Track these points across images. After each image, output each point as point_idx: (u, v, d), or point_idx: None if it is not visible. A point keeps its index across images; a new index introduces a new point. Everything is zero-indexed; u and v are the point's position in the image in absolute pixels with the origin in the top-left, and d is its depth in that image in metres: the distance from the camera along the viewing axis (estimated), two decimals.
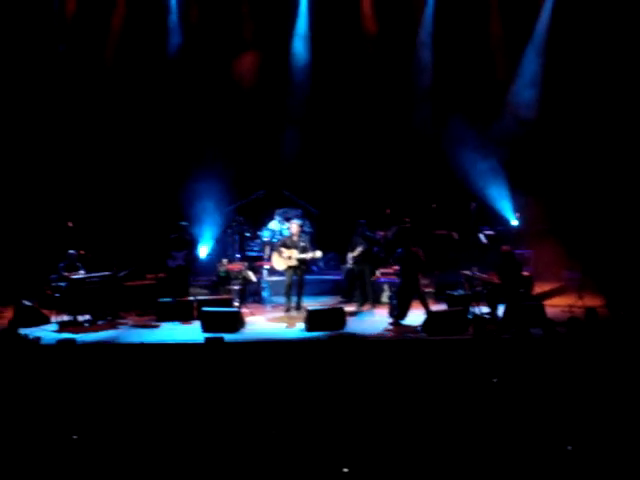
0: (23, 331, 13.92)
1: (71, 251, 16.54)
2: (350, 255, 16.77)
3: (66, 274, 16.02)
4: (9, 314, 15.68)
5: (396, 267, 15.96)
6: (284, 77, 20.56)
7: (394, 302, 15.77)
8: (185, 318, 15.90)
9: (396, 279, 16.22)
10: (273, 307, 17.37)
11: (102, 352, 13.18)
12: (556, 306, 16.23)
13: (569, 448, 8.52)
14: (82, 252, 16.76)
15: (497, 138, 19.67)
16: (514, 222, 19.32)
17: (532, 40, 20.06)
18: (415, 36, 20.54)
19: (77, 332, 14.79)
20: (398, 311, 15.44)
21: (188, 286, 17.45)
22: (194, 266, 17.99)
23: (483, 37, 20.14)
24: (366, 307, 16.86)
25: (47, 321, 15.69)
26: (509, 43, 20.19)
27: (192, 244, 17.61)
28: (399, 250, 15.70)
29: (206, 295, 17.55)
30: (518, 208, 19.41)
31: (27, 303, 15.86)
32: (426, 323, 14.61)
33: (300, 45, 20.67)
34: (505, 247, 15.90)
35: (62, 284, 15.94)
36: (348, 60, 20.37)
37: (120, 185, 19.82)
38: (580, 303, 15.76)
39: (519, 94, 20.14)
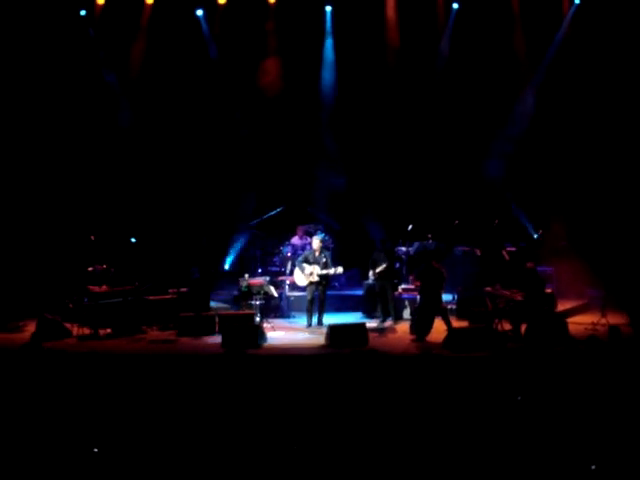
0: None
1: (94, 265, 16.63)
2: (372, 271, 16.73)
3: (89, 288, 16.08)
4: (32, 327, 15.74)
5: (417, 283, 15.91)
6: (308, 91, 20.55)
7: (415, 318, 15.72)
8: (206, 333, 15.91)
9: (417, 295, 16.15)
10: (294, 322, 17.37)
11: (123, 363, 13.19)
12: (579, 324, 16.10)
13: (593, 467, 8.44)
14: (104, 266, 16.82)
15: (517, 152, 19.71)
16: (537, 239, 19.24)
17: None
18: (437, 49, 20.56)
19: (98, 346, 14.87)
20: (420, 327, 15.37)
21: (208, 300, 17.46)
22: (212, 280, 18.04)
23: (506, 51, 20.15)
24: (388, 323, 16.80)
25: (69, 335, 15.74)
26: (531, 56, 20.23)
27: (209, 257, 17.70)
28: (421, 266, 15.66)
29: (228, 310, 17.55)
30: (541, 225, 19.33)
31: (50, 317, 15.93)
32: (448, 340, 14.54)
33: (327, 57, 20.70)
34: (529, 264, 15.81)
35: (84, 298, 16.00)
36: (372, 73, 20.34)
37: (142, 200, 19.91)
38: (603, 321, 15.63)
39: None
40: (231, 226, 19.98)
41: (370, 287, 17.52)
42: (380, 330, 16.40)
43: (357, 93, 20.39)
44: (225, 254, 19.55)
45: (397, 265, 17.50)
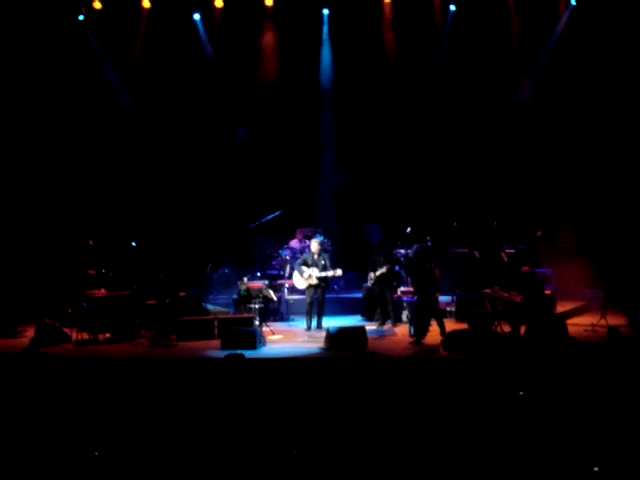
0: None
1: (92, 270, 16.63)
2: (372, 274, 16.70)
3: (87, 293, 16.07)
4: (31, 333, 15.73)
5: (414, 286, 15.94)
6: (307, 94, 20.56)
7: (413, 321, 15.73)
8: (206, 337, 15.88)
9: (415, 298, 16.14)
10: (294, 326, 17.37)
11: (123, 368, 13.18)
12: (579, 325, 16.11)
13: (596, 469, 8.43)
14: (103, 271, 16.81)
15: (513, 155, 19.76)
16: (535, 241, 19.22)
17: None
18: (434, 58, 20.59)
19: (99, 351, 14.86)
20: (417, 330, 15.38)
21: (200, 303, 17.44)
22: (204, 284, 18.08)
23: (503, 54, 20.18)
24: (387, 326, 16.79)
25: (68, 340, 15.71)
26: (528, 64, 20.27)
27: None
28: (415, 270, 15.71)
29: (227, 313, 17.54)
30: (539, 226, 19.32)
31: (49, 322, 15.91)
32: (447, 341, 14.53)
33: (324, 59, 20.76)
34: (524, 268, 15.80)
35: (83, 303, 15.99)
36: (370, 75, 20.41)
37: (139, 204, 19.94)
38: (603, 322, 15.62)
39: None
40: (230, 229, 19.96)
41: (369, 290, 17.50)
42: (379, 333, 16.39)
43: (355, 96, 20.43)
44: (223, 258, 19.51)
45: (397, 268, 17.48)
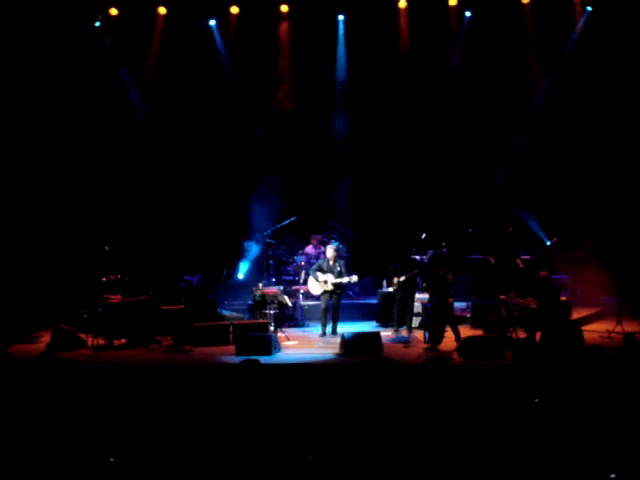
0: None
1: (108, 275, 16.68)
2: (395, 279, 16.59)
3: (103, 298, 16.11)
4: (47, 338, 15.79)
5: (428, 293, 15.91)
6: (321, 104, 20.59)
7: (428, 327, 15.70)
8: (220, 342, 15.90)
9: (429, 304, 16.09)
10: (308, 332, 17.37)
11: (138, 373, 13.20)
12: (595, 331, 16.05)
13: (613, 477, 8.39)
14: (118, 276, 16.85)
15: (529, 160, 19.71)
16: (551, 246, 19.17)
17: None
18: (448, 58, 20.58)
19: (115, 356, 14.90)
20: (432, 336, 15.36)
21: (216, 309, 17.45)
22: (214, 289, 18.10)
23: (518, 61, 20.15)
24: (402, 332, 16.75)
25: (84, 345, 15.75)
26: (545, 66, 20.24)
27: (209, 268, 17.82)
28: (429, 276, 15.68)
29: (242, 319, 17.55)
30: (554, 232, 19.27)
31: (65, 327, 15.96)
32: (462, 348, 14.50)
33: (340, 69, 20.77)
34: (543, 272, 15.75)
35: (99, 308, 16.04)
36: (384, 82, 20.41)
37: (154, 210, 19.99)
38: (619, 329, 15.56)
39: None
40: (245, 235, 19.99)
41: (384, 296, 17.46)
42: (394, 339, 16.36)
43: (369, 99, 20.44)
44: (238, 263, 19.54)
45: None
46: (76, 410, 10.38)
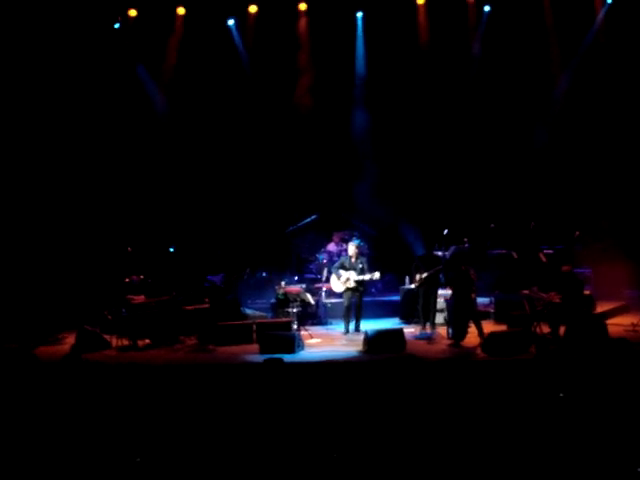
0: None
1: (131, 276, 16.77)
2: (418, 276, 16.50)
3: (127, 299, 16.18)
4: (71, 340, 15.88)
5: (450, 288, 15.88)
6: (341, 100, 20.57)
7: (451, 323, 15.67)
8: (244, 341, 15.94)
9: (451, 300, 16.05)
10: (332, 329, 17.37)
11: (163, 374, 13.24)
12: (619, 325, 15.96)
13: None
14: (142, 277, 16.92)
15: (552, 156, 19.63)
16: (574, 240, 19.07)
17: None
18: (468, 52, 20.53)
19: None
20: (455, 332, 15.33)
21: (239, 308, 17.48)
22: (237, 288, 18.15)
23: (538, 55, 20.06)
24: (425, 328, 16.70)
25: (108, 346, 15.83)
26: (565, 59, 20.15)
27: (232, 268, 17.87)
28: (450, 273, 15.63)
29: (265, 318, 17.59)
30: (577, 226, 19.18)
31: (89, 328, 16.04)
32: (486, 343, 14.47)
33: (359, 65, 20.79)
34: (564, 267, 15.67)
35: (122, 309, 16.11)
36: (404, 77, 20.37)
37: (176, 210, 20.05)
38: None
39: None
40: (267, 234, 20.02)
41: (407, 292, 17.43)
42: (417, 335, 16.32)
43: (390, 95, 20.39)
44: (261, 262, 19.58)
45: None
46: (101, 411, 10.43)
